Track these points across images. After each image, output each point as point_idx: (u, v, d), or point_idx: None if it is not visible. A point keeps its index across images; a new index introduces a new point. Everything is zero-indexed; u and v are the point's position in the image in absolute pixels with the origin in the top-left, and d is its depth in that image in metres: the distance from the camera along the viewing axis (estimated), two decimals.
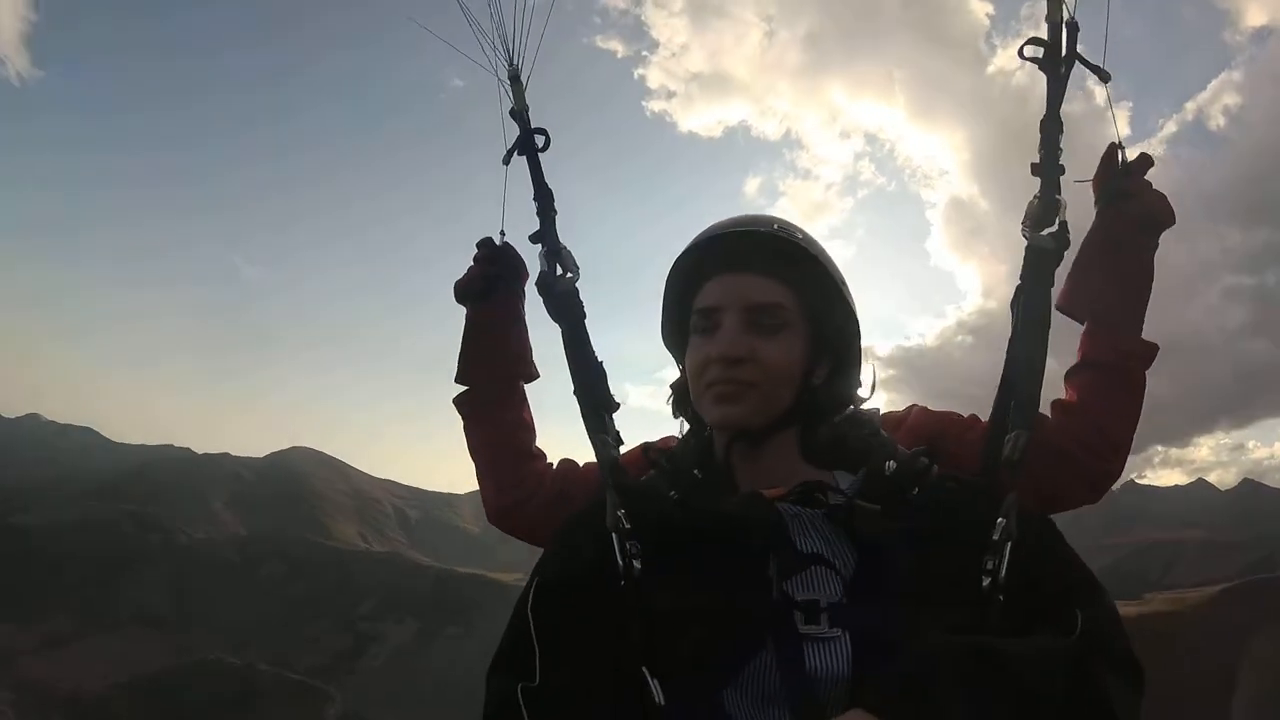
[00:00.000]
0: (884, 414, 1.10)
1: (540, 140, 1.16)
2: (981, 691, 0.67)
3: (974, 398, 1.09)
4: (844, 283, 0.98)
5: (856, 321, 0.99)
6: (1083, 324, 1.10)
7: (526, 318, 1.31)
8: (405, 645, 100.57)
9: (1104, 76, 1.03)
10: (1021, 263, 0.96)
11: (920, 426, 1.07)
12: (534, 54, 1.19)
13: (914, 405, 1.14)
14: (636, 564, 0.80)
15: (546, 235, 1.12)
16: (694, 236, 1.00)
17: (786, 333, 0.92)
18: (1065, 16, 0.98)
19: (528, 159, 1.16)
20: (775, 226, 0.95)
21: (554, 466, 1.24)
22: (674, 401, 1.06)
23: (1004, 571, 0.78)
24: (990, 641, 0.71)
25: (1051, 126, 0.98)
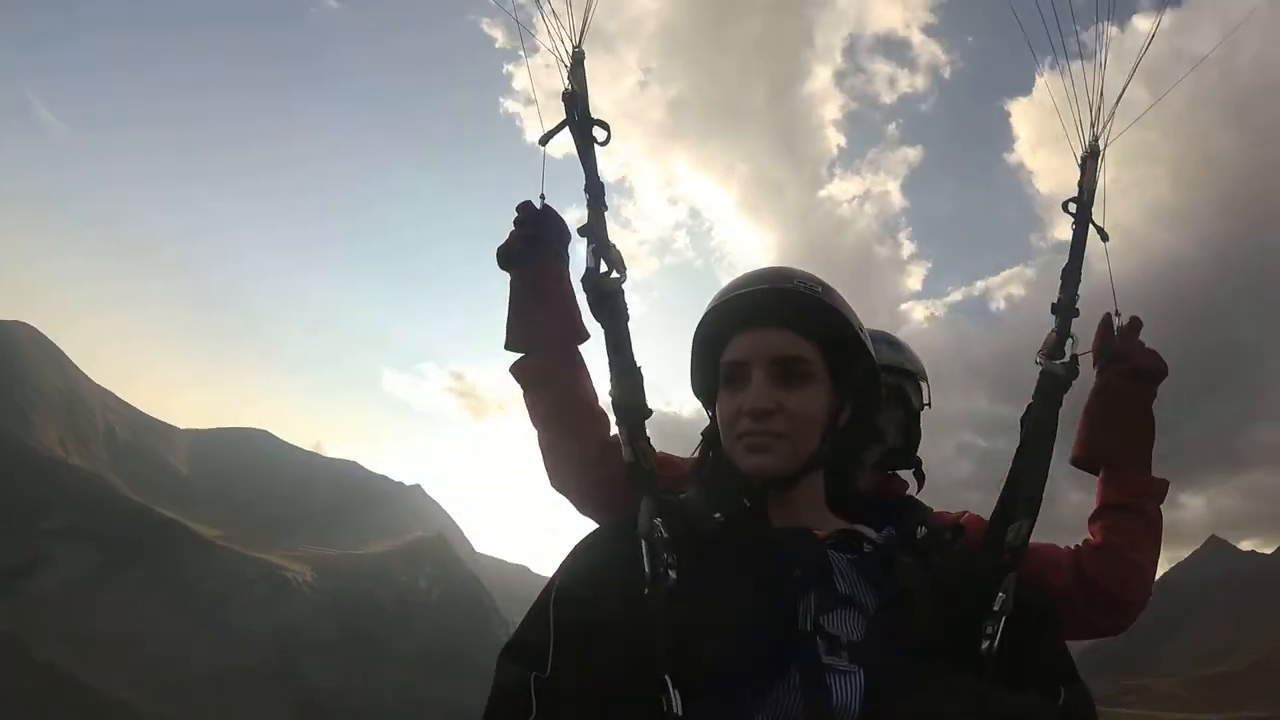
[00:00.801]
0: (937, 512, 1.25)
1: (602, 135, 1.10)
2: None
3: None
4: (862, 329, 1.03)
5: (876, 369, 1.05)
6: (1096, 475, 1.24)
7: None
8: (82, 576, 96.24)
9: (1104, 237, 1.18)
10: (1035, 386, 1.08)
11: (974, 532, 1.13)
12: (589, 31, 1.12)
13: (966, 511, 1.26)
14: (671, 573, 0.82)
15: (596, 230, 1.08)
16: (720, 291, 1.04)
17: (811, 383, 0.97)
18: (1095, 185, 1.14)
19: (582, 149, 1.11)
20: (795, 281, 0.99)
21: None
22: (705, 446, 1.09)
23: (999, 638, 0.86)
24: (993, 692, 0.81)
25: (1072, 273, 1.11)
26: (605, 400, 1.13)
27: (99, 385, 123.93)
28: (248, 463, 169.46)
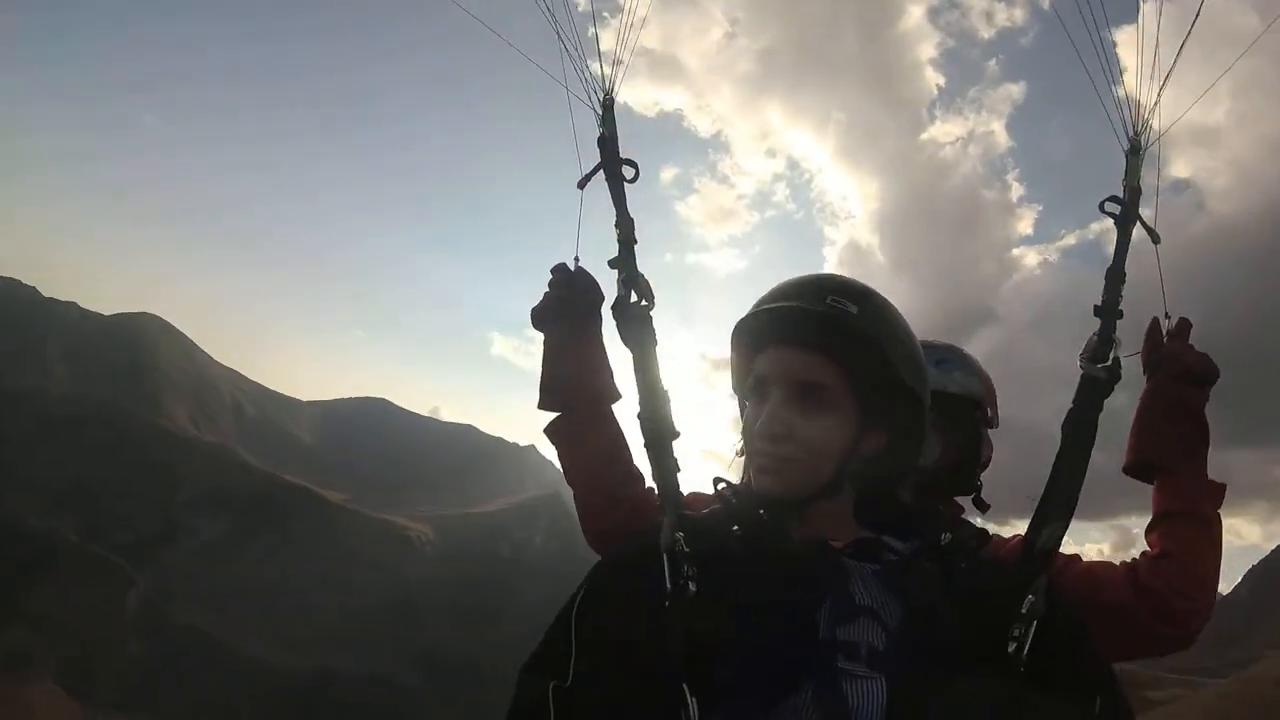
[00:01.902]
0: (994, 536, 1.23)
1: (630, 172, 1.14)
2: None
3: None
4: (904, 354, 0.98)
5: (918, 396, 1.00)
6: (1150, 483, 1.22)
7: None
8: (217, 542, 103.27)
9: (1155, 239, 1.14)
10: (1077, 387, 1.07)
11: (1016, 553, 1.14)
12: (622, 78, 1.17)
13: (1017, 535, 1.23)
14: (691, 585, 0.84)
15: (625, 262, 1.12)
16: (761, 296, 1.03)
17: (829, 412, 0.96)
18: (1137, 182, 1.12)
19: (613, 187, 1.15)
20: (829, 300, 0.97)
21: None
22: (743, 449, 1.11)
23: (1029, 642, 0.85)
24: (1021, 695, 0.81)
25: (1116, 275, 1.08)
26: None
27: (224, 366, 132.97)
28: (368, 430, 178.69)
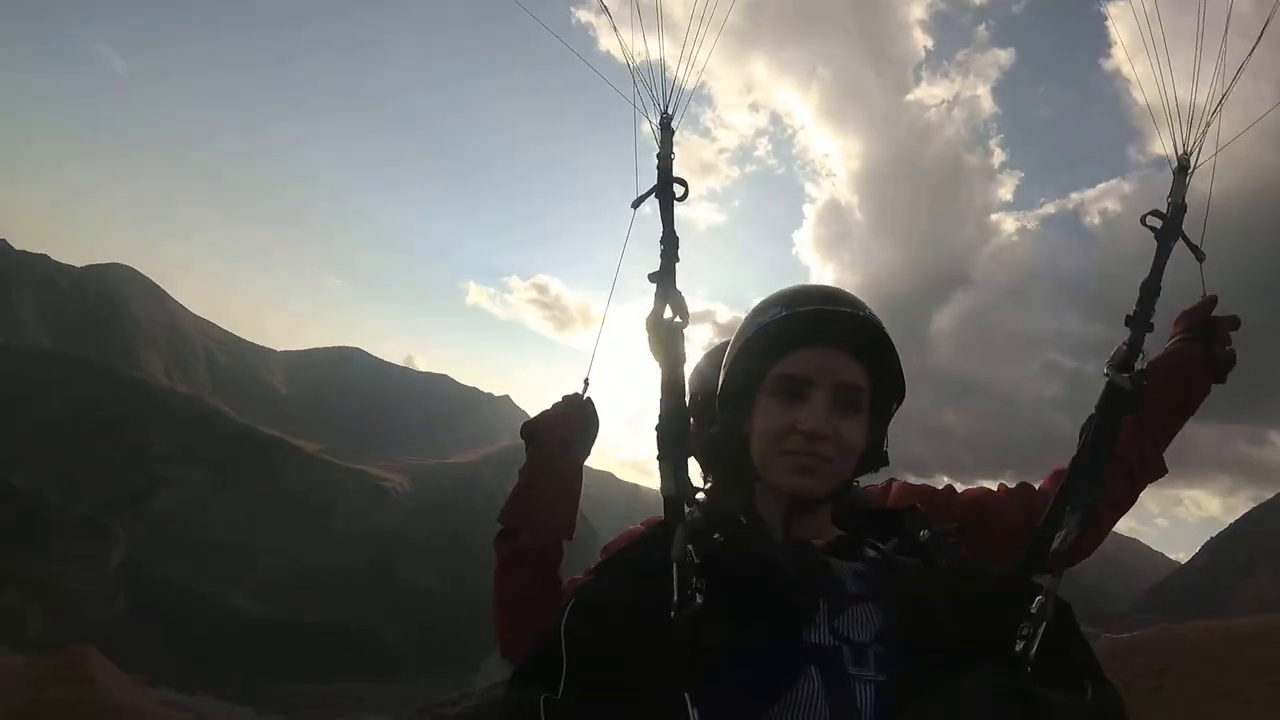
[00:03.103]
0: (865, 487, 1.25)
1: (680, 190, 1.16)
2: None
3: None
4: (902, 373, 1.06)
5: (899, 403, 1.07)
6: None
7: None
8: (197, 493, 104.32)
9: (1199, 256, 1.14)
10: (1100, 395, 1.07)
11: (904, 498, 1.20)
12: (685, 101, 1.18)
13: (893, 479, 1.28)
14: (699, 597, 0.84)
15: (665, 277, 1.11)
16: (781, 297, 1.06)
17: (858, 414, 1.00)
18: (1182, 198, 1.11)
19: (663, 205, 1.15)
20: (867, 312, 1.02)
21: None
22: (715, 449, 1.09)
23: (1037, 641, 0.86)
24: (1027, 687, 0.81)
25: (1151, 288, 1.08)
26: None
27: (198, 316, 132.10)
28: (343, 379, 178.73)
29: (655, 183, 1.17)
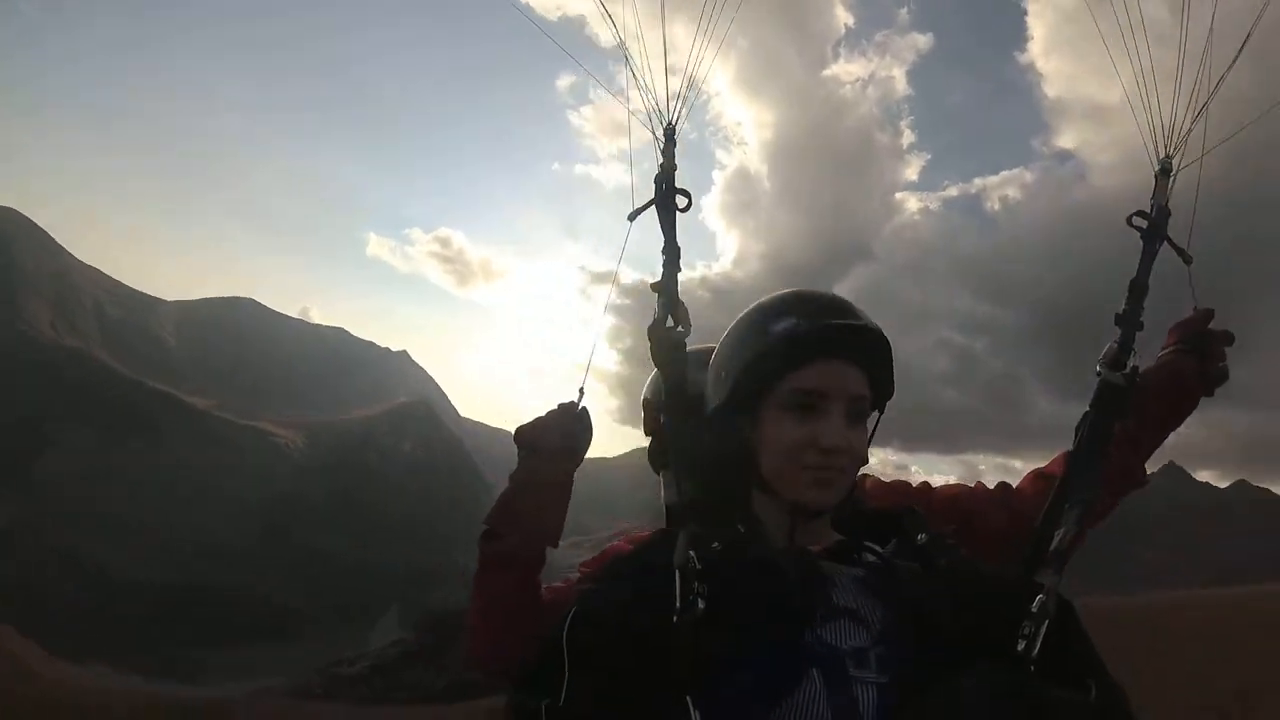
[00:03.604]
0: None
1: (683, 202, 1.14)
2: None
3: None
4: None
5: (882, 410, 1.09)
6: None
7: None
8: (84, 455, 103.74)
9: (1186, 260, 1.14)
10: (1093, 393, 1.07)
11: (881, 495, 1.21)
12: (687, 110, 1.17)
13: (866, 476, 1.25)
14: (701, 603, 0.85)
15: (669, 288, 1.10)
16: (789, 305, 1.05)
17: (862, 425, 1.03)
18: (1166, 202, 1.12)
19: (664, 217, 1.14)
20: (875, 324, 1.04)
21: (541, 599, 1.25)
22: (708, 459, 1.06)
23: (1039, 640, 0.86)
24: (1030, 684, 0.82)
25: (1139, 288, 1.09)
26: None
27: (86, 264, 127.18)
28: (235, 331, 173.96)
29: (655, 193, 1.16)
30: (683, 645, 0.82)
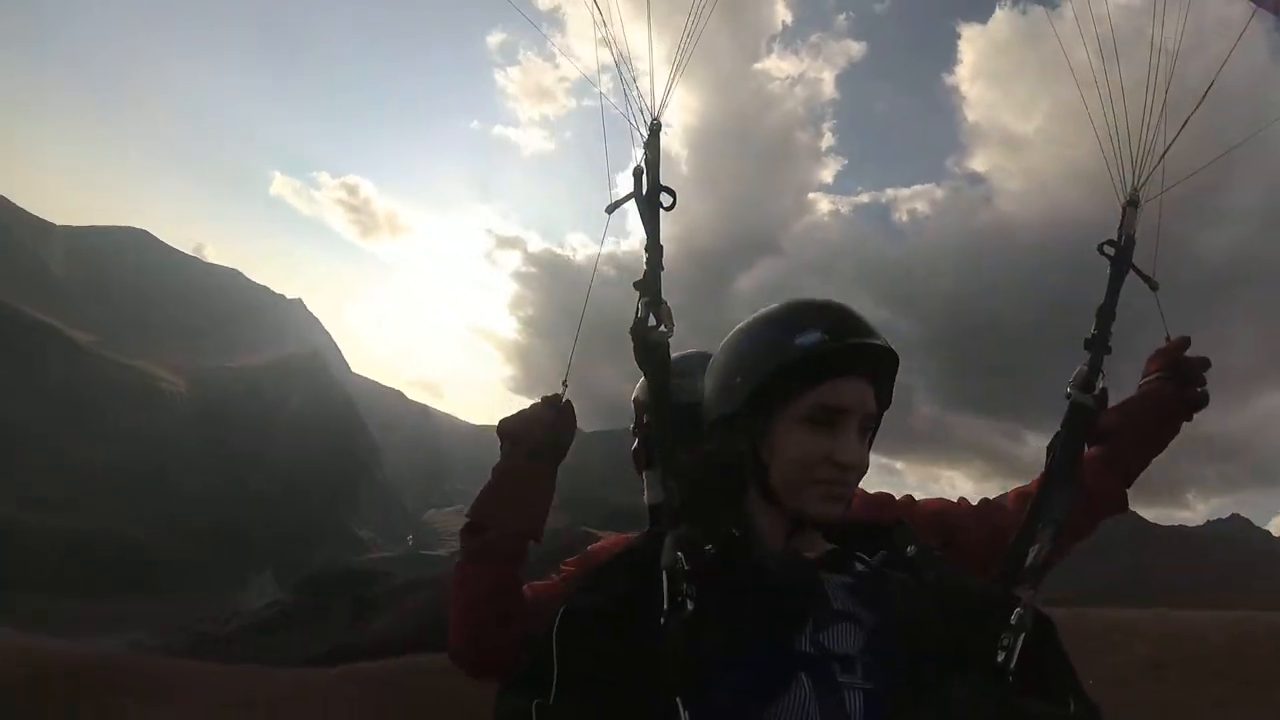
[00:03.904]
0: (870, 494, 1.29)
1: (668, 200, 1.14)
2: None
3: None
4: None
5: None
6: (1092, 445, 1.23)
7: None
8: None
9: (1152, 286, 1.19)
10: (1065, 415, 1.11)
11: (865, 508, 1.24)
12: (668, 102, 1.16)
13: (882, 492, 1.29)
14: (689, 604, 0.85)
15: (651, 287, 1.12)
16: (811, 317, 1.04)
17: (868, 440, 1.05)
18: (1133, 232, 1.18)
19: (648, 215, 1.14)
20: (889, 344, 1.05)
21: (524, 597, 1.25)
22: (713, 466, 1.08)
23: (1017, 651, 0.88)
24: (1012, 697, 0.83)
25: (1107, 313, 1.15)
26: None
27: None
28: (126, 264, 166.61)
29: (635, 187, 1.14)
30: (672, 647, 0.83)
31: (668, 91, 1.17)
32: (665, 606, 0.86)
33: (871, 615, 0.91)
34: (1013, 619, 0.90)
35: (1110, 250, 1.19)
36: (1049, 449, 1.12)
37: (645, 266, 1.13)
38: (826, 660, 0.86)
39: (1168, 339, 1.27)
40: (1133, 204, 1.20)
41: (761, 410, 1.04)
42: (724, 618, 0.86)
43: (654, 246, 1.14)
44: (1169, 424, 1.26)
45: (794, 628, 0.87)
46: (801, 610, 0.89)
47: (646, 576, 0.89)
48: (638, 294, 1.13)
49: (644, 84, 1.18)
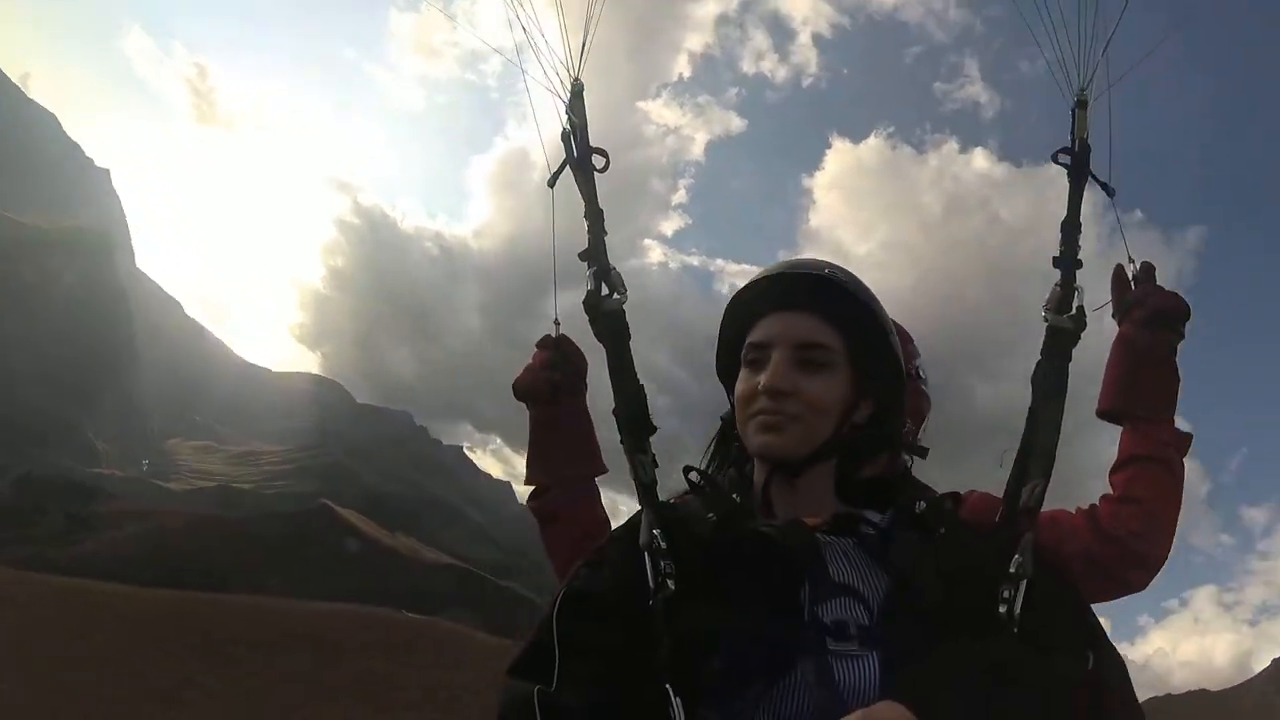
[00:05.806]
0: (944, 494, 1.19)
1: (600, 161, 1.12)
2: (1002, 692, 0.77)
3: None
4: (891, 332, 1.05)
5: (901, 369, 1.06)
6: (1120, 425, 1.21)
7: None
8: None
9: (1109, 191, 1.15)
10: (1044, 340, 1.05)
11: (981, 510, 1.13)
12: (586, 62, 1.11)
13: (973, 490, 1.23)
14: (670, 583, 0.84)
15: (597, 255, 1.10)
16: (758, 277, 1.05)
17: (830, 371, 0.98)
18: (1085, 135, 1.12)
19: (581, 179, 1.12)
20: (826, 270, 1.01)
21: None
22: (720, 435, 1.11)
23: (1019, 603, 0.84)
24: (1013, 652, 0.81)
25: (1072, 226, 1.08)
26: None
27: None
28: None
29: (566, 153, 1.12)
30: (658, 628, 0.82)
31: (585, 50, 1.14)
32: (650, 588, 0.86)
33: (872, 580, 0.89)
34: (1011, 568, 0.87)
35: (1065, 159, 1.13)
36: (1032, 380, 1.05)
37: (587, 234, 1.10)
38: (823, 633, 0.84)
39: (1116, 272, 1.25)
40: (1081, 105, 1.15)
41: (732, 374, 1.07)
42: (718, 593, 0.85)
43: (593, 212, 1.11)
44: (1148, 359, 1.20)
45: (791, 600, 0.85)
46: (796, 580, 0.86)
47: (637, 556, 0.89)
48: (585, 264, 1.10)
49: (558, 48, 1.14)
